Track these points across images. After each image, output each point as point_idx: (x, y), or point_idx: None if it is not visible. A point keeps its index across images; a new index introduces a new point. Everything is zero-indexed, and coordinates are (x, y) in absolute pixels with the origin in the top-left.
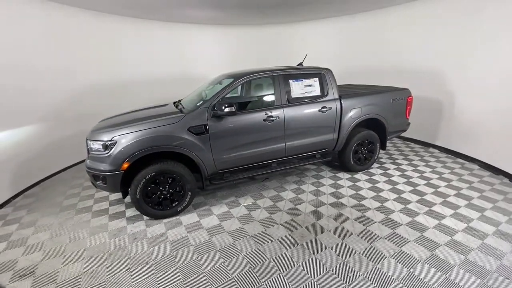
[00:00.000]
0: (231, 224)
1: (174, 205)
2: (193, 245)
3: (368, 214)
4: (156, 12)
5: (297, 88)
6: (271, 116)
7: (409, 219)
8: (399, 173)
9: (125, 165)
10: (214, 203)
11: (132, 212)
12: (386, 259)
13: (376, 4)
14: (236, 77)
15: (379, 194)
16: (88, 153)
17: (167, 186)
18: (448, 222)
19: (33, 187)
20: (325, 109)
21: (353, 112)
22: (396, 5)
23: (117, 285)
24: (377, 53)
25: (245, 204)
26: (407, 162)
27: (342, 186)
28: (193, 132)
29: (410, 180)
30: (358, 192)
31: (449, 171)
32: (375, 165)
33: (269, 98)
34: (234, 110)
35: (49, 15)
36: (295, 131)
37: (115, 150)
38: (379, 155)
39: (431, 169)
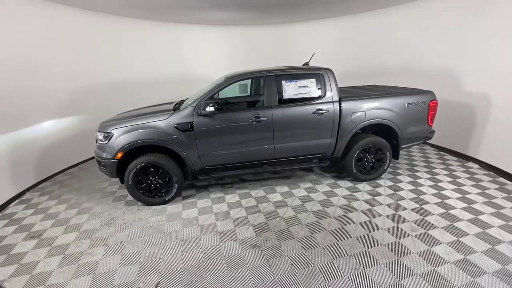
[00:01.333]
0: (206, 219)
1: (162, 194)
2: (164, 232)
3: (349, 227)
4: (157, 12)
5: (290, 89)
6: (258, 117)
7: (393, 240)
8: (411, 187)
9: (119, 155)
10: (202, 197)
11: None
12: (343, 277)
13: (377, 4)
14: (229, 78)
15: (374, 208)
16: (96, 142)
17: (156, 177)
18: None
19: (71, 168)
20: (320, 112)
21: (355, 116)
22: (397, 5)
23: (91, 256)
24: (378, 53)
25: (228, 201)
26: (428, 176)
27: (335, 195)
28: (179, 129)
29: (420, 197)
30: (351, 203)
31: (478, 190)
32: (387, 175)
33: (260, 98)
34: (213, 110)
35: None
36: (285, 133)
37: (111, 141)
38: (397, 165)
39: (454, 187)
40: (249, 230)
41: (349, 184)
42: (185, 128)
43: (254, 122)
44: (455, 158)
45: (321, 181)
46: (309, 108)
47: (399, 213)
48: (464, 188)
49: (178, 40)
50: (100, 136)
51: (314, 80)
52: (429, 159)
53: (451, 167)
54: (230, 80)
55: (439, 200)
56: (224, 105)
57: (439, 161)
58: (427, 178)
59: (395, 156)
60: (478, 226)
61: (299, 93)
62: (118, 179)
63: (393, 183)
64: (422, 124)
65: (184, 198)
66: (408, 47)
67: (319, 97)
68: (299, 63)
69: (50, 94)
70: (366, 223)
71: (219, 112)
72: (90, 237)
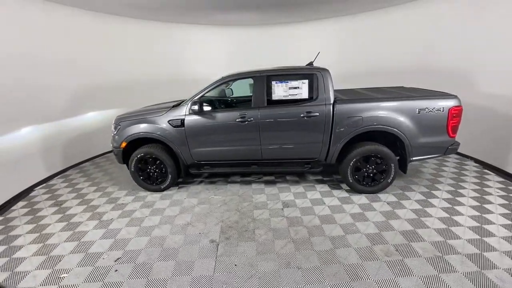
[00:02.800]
0: (174, 210)
1: (159, 183)
2: (147, 216)
3: (316, 239)
4: (158, 13)
5: (280, 90)
6: (245, 117)
7: (357, 261)
8: (416, 207)
9: (123, 144)
10: (194, 190)
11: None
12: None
13: (377, 4)
14: (222, 78)
15: (356, 223)
16: (112, 132)
17: (154, 167)
18: None
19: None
20: (310, 114)
21: (351, 120)
22: (397, 5)
23: (85, 226)
24: (379, 54)
25: (210, 197)
26: (447, 197)
27: (322, 204)
28: (171, 125)
29: (422, 219)
30: (334, 214)
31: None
32: (394, 189)
33: (250, 99)
34: (199, 108)
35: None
36: (271, 134)
37: (119, 132)
38: (416, 179)
39: (474, 214)
40: (217, 226)
41: (344, 194)
42: (177, 124)
43: (240, 122)
44: (500, 179)
45: (316, 187)
46: (299, 110)
47: (383, 233)
48: (488, 220)
49: (179, 40)
50: (112, 127)
51: (306, 81)
52: (462, 177)
53: (486, 189)
54: (222, 80)
55: (443, 227)
56: (220, 104)
57: (475, 180)
58: (445, 199)
59: (403, 169)
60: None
61: (289, 94)
62: (119, 163)
63: (397, 200)
64: (439, 135)
65: (181, 188)
66: (413, 46)
67: (311, 99)
68: (299, 63)
69: (71, 91)
70: (337, 238)
71: (209, 110)
72: (92, 211)
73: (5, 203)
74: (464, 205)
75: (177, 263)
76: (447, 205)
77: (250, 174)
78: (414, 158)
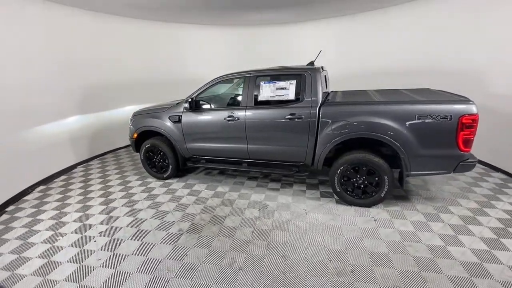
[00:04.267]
0: (165, 197)
1: (162, 171)
2: (142, 200)
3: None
4: (157, 13)
5: (267, 91)
6: (232, 116)
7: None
8: (408, 229)
9: (135, 135)
10: (191, 181)
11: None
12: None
13: (377, 3)
14: (217, 78)
15: (326, 236)
16: (129, 124)
17: (158, 157)
18: None
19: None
20: (294, 117)
21: (336, 125)
22: (397, 5)
23: (94, 201)
24: (380, 54)
25: (205, 190)
26: (456, 223)
27: (296, 210)
28: (171, 120)
29: (405, 243)
30: (298, 222)
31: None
32: (391, 205)
33: (239, 98)
34: (187, 106)
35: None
36: (257, 135)
37: (132, 124)
38: (429, 197)
39: (482, 249)
40: (193, 217)
41: (331, 204)
42: (175, 120)
43: (228, 121)
44: None
45: (306, 193)
46: (283, 112)
47: (350, 250)
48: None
49: (180, 40)
50: (130, 120)
51: (294, 81)
52: (485, 193)
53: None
54: (216, 80)
55: (427, 256)
56: (217, 103)
57: (504, 201)
58: (452, 225)
59: (400, 182)
60: None
61: (276, 95)
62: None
63: (389, 217)
64: (446, 148)
65: (183, 179)
66: (414, 46)
67: (297, 101)
68: (300, 62)
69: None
70: (294, 246)
71: (203, 108)
72: (106, 190)
73: (54, 174)
74: (474, 235)
75: (142, 243)
76: (450, 232)
77: (249, 172)
78: (413, 173)
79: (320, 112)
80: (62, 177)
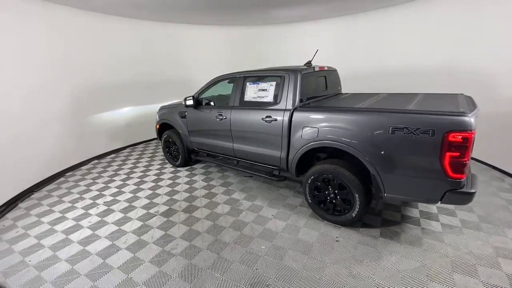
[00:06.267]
0: (167, 182)
1: (175, 160)
2: (144, 181)
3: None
4: (157, 13)
5: (251, 92)
6: (221, 115)
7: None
8: (360, 255)
9: (157, 126)
10: (197, 171)
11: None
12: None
13: (377, 3)
14: (216, 78)
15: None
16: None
17: (174, 147)
18: None
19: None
20: (269, 119)
21: (305, 131)
22: (397, 5)
23: (118, 176)
24: (381, 54)
25: (200, 180)
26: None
27: (267, 219)
28: (179, 116)
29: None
30: (267, 226)
31: None
32: (371, 229)
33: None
34: (190, 104)
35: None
36: (239, 134)
37: (157, 117)
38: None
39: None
40: (174, 203)
41: (302, 216)
42: (182, 116)
43: (218, 119)
44: None
45: (287, 198)
46: (261, 113)
47: (265, 256)
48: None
49: (180, 40)
50: (156, 113)
51: (274, 83)
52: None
53: None
54: (214, 79)
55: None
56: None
57: None
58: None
59: (370, 202)
60: None
61: (258, 96)
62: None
63: (354, 244)
64: (428, 171)
65: (191, 169)
66: (415, 47)
67: (274, 103)
68: (299, 62)
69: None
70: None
71: (202, 106)
72: (131, 169)
73: (106, 153)
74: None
75: (124, 217)
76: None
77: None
78: (388, 195)
79: (292, 117)
80: (112, 155)
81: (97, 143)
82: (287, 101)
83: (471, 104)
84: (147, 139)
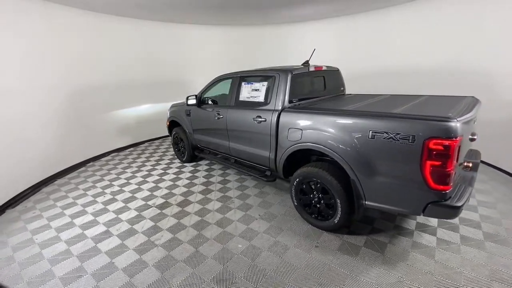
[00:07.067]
0: (170, 176)
1: (182, 156)
2: (150, 174)
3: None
4: (157, 13)
5: (245, 91)
6: (219, 114)
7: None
8: (336, 265)
9: (168, 123)
10: (200, 167)
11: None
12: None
13: (377, 3)
14: (217, 77)
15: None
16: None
17: (181, 144)
18: None
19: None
20: (259, 120)
21: (291, 133)
22: (398, 5)
23: (130, 168)
24: (381, 54)
25: (202, 176)
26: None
27: (253, 219)
28: (185, 113)
29: None
30: (247, 238)
31: None
32: (358, 237)
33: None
34: (194, 103)
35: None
36: (234, 133)
37: (168, 114)
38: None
39: None
40: (171, 197)
41: (287, 218)
42: (187, 113)
43: (216, 118)
44: None
45: (277, 199)
46: (252, 113)
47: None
48: None
49: (180, 40)
50: (168, 110)
51: (266, 83)
52: None
53: None
54: (215, 79)
55: None
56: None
57: None
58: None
59: (352, 211)
60: None
61: (251, 96)
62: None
63: (334, 250)
64: (408, 180)
65: (196, 165)
66: (416, 46)
67: (264, 103)
68: (299, 62)
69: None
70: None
71: (204, 105)
72: (143, 163)
73: (124, 147)
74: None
75: (124, 206)
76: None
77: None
78: (369, 203)
79: (279, 117)
80: (131, 148)
81: (118, 137)
82: (276, 102)
83: (468, 108)
84: (164, 134)
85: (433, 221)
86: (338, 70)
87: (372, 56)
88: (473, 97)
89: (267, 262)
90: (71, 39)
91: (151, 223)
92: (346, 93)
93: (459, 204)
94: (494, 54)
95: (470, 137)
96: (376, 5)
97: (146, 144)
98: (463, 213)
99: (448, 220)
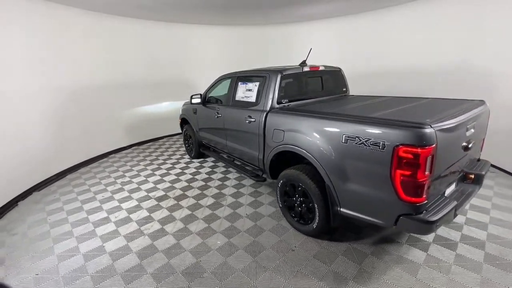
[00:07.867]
0: (176, 171)
1: (190, 152)
2: (160, 167)
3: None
4: (157, 13)
5: (240, 91)
6: (218, 113)
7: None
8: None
9: (180, 120)
10: (206, 164)
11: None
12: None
13: (378, 3)
14: (219, 77)
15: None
16: None
17: (190, 139)
18: None
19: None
20: (250, 120)
21: (276, 134)
22: (398, 5)
23: (144, 161)
24: (380, 54)
25: (204, 172)
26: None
27: (239, 217)
28: (193, 112)
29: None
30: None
31: None
32: (339, 246)
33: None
34: (199, 102)
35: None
36: (230, 132)
37: (180, 112)
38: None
39: None
40: (172, 190)
41: (269, 220)
42: (194, 112)
43: (216, 117)
44: None
45: (267, 198)
46: (245, 113)
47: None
48: None
49: (180, 40)
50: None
51: (258, 84)
52: None
53: None
54: (218, 79)
55: None
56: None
57: None
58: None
59: (328, 219)
60: None
61: (245, 96)
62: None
63: (308, 256)
64: (379, 189)
65: (202, 162)
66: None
67: (255, 103)
68: (302, 60)
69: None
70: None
71: (207, 104)
72: (157, 157)
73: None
74: None
75: (127, 196)
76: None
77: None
78: (343, 210)
79: (266, 118)
80: (150, 143)
81: (139, 132)
82: (265, 102)
83: (457, 113)
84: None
85: (428, 236)
86: (339, 70)
87: (372, 56)
88: (481, 100)
89: (239, 261)
90: (73, 39)
91: (146, 214)
92: (350, 94)
93: (432, 218)
94: (495, 53)
95: (464, 144)
96: (377, 5)
97: (165, 139)
98: (467, 230)
99: (451, 236)
